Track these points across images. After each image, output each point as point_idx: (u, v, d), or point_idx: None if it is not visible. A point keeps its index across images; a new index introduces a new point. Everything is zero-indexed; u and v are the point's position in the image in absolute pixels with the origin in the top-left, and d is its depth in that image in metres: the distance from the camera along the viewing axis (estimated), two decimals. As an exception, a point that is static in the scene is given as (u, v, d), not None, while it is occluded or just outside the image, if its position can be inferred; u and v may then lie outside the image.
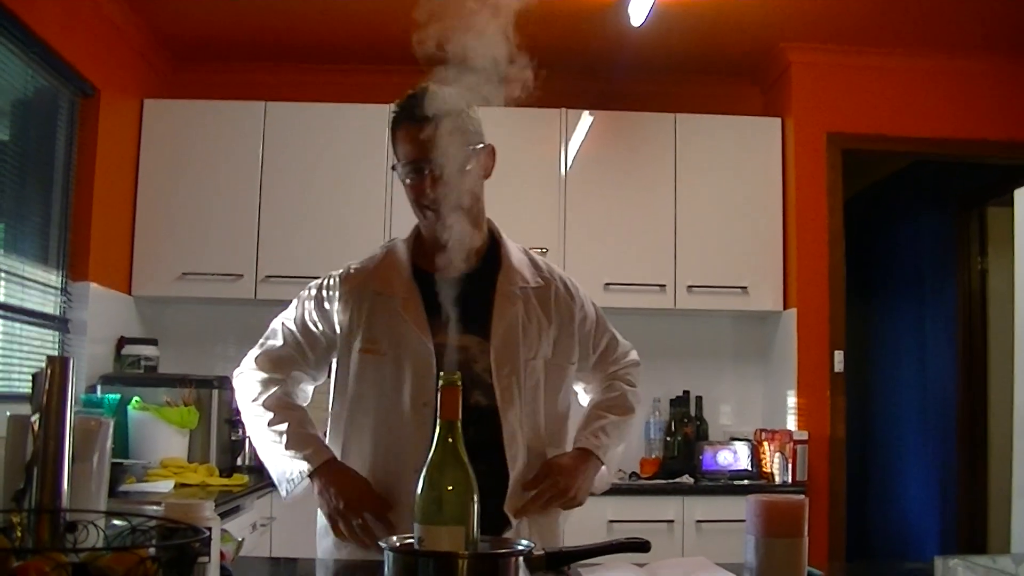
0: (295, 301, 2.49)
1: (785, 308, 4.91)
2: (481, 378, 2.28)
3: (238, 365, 2.35)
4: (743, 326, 5.30)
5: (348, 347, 2.37)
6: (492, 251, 2.42)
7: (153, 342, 4.79)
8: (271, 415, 2.37)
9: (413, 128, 2.28)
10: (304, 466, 2.29)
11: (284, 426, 2.34)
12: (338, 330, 2.39)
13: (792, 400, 4.85)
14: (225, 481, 3.99)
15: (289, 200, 4.80)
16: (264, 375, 2.44)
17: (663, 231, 4.86)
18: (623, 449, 2.54)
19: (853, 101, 4.96)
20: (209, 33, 4.93)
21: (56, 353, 4.21)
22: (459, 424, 1.66)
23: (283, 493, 2.37)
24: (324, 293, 2.43)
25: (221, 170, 4.81)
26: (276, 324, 2.50)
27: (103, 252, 4.47)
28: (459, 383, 1.68)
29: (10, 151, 3.91)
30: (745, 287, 4.87)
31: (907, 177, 6.28)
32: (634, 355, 2.63)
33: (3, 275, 3.83)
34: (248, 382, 2.47)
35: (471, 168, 2.31)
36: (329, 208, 4.79)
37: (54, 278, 4.22)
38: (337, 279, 2.44)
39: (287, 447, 2.32)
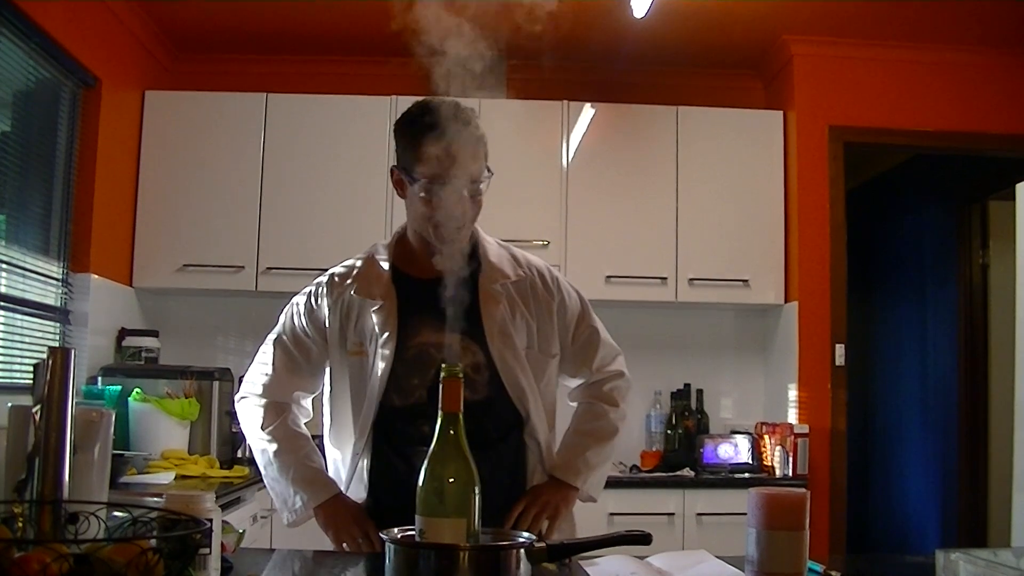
0: (282, 316, 2.54)
1: (786, 301, 4.91)
2: (465, 374, 2.25)
3: (239, 356, 2.38)
4: (744, 319, 5.30)
5: (338, 351, 2.44)
6: (472, 250, 2.47)
7: (154, 334, 4.79)
8: (276, 445, 2.45)
9: (443, 143, 2.25)
10: (306, 499, 2.40)
11: (291, 458, 2.44)
12: (328, 335, 2.45)
13: (793, 393, 4.85)
14: (226, 473, 4.00)
15: (290, 192, 4.79)
16: (266, 400, 2.51)
17: (665, 224, 4.86)
18: (608, 467, 2.59)
19: (855, 94, 4.95)
20: (211, 24, 4.92)
21: (57, 344, 4.21)
22: (460, 416, 1.67)
23: (284, 519, 2.45)
24: (313, 302, 2.48)
25: (222, 161, 4.81)
26: (268, 344, 2.54)
27: (104, 243, 4.47)
28: (461, 375, 1.68)
29: (11, 142, 3.90)
30: (746, 280, 4.86)
31: (909, 170, 6.28)
32: (620, 363, 2.60)
33: (4, 266, 3.83)
34: (251, 408, 2.53)
35: (485, 187, 2.36)
36: (330, 200, 4.79)
37: (55, 269, 4.22)
38: (324, 286, 2.48)
39: (293, 479, 2.42)
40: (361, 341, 2.40)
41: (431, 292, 2.26)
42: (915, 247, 6.53)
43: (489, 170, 2.36)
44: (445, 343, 2.29)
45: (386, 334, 2.35)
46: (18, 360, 3.91)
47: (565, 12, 4.40)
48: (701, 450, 4.75)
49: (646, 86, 5.17)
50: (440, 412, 1.67)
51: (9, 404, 1.77)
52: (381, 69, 5.09)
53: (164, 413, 4.07)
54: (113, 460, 1.98)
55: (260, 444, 2.49)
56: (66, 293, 4.27)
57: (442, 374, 1.68)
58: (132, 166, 4.77)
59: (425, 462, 1.64)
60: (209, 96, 4.88)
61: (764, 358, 5.26)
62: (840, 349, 4.81)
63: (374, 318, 2.37)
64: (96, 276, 4.38)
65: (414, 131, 2.32)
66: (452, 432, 1.65)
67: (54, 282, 4.21)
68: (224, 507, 3.35)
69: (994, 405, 5.68)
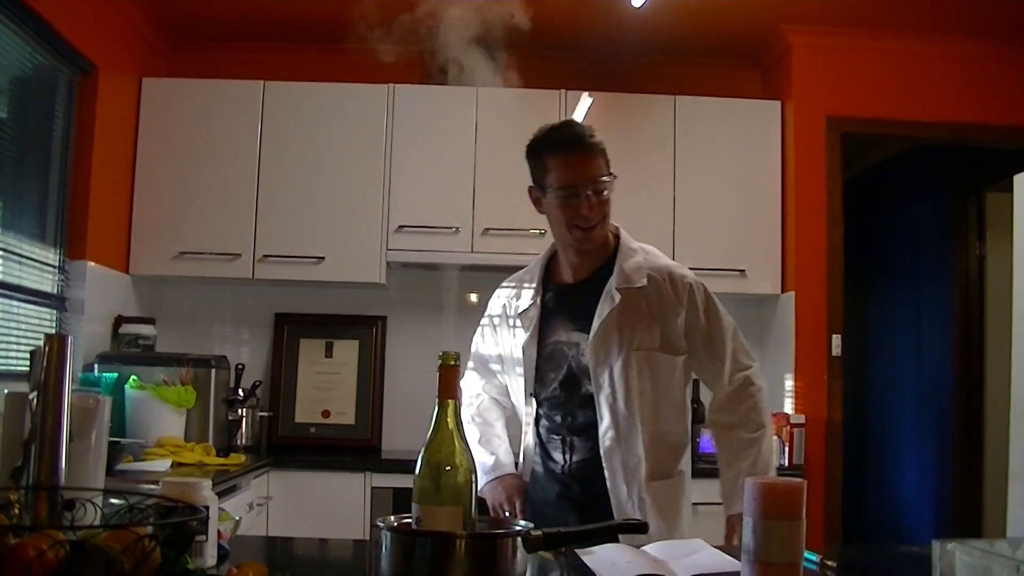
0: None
1: (783, 291, 4.90)
2: (587, 368, 2.64)
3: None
4: (741, 309, 5.27)
5: (510, 345, 2.86)
6: (612, 259, 2.74)
7: (151, 321, 4.79)
8: (468, 428, 2.84)
9: (576, 155, 2.63)
10: (481, 476, 2.80)
11: (475, 438, 2.87)
12: (500, 331, 2.91)
13: (789, 383, 4.85)
14: (222, 460, 3.99)
15: (287, 180, 4.78)
16: (473, 379, 3.02)
17: (662, 213, 4.85)
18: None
19: (853, 84, 4.94)
20: (208, 12, 4.90)
21: (53, 332, 4.20)
22: (456, 404, 1.67)
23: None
24: (495, 301, 2.95)
25: (219, 149, 4.80)
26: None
27: (101, 231, 4.46)
28: (455, 363, 1.68)
29: (8, 129, 3.89)
30: (743, 270, 4.86)
31: (906, 161, 6.28)
32: (752, 374, 2.77)
33: (1, 253, 3.82)
34: (465, 386, 2.99)
35: (609, 190, 2.66)
36: (327, 188, 4.78)
37: (52, 256, 4.21)
38: (499, 290, 2.95)
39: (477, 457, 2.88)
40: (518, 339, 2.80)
41: (568, 296, 2.74)
42: (911, 238, 6.53)
43: (611, 174, 2.65)
44: (569, 341, 2.68)
45: (528, 333, 2.75)
46: (15, 347, 3.90)
47: (564, 1, 4.40)
48: (697, 440, 4.74)
49: (644, 75, 5.17)
50: (437, 399, 1.67)
51: (6, 391, 1.77)
52: (379, 57, 5.09)
53: (160, 400, 4.07)
54: (109, 447, 1.98)
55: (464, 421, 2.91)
56: (62, 280, 4.26)
57: (439, 362, 1.68)
58: (129, 153, 4.76)
59: (422, 450, 1.64)
60: (206, 84, 4.86)
61: (760, 348, 5.25)
62: (836, 339, 4.81)
63: (522, 320, 2.78)
64: (93, 263, 4.38)
65: (539, 151, 2.70)
66: (448, 420, 1.65)
67: (50, 269, 4.20)
68: (220, 495, 3.35)
69: (989, 396, 5.69)
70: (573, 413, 2.69)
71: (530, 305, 2.79)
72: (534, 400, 2.77)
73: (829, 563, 1.93)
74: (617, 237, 2.78)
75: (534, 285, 2.82)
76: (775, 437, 4.64)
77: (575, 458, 2.69)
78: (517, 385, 2.84)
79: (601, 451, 2.64)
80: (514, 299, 2.85)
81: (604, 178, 2.63)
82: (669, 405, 2.70)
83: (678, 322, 2.68)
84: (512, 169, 4.80)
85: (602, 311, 2.64)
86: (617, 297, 2.64)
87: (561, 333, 2.71)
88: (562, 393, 2.71)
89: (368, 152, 4.79)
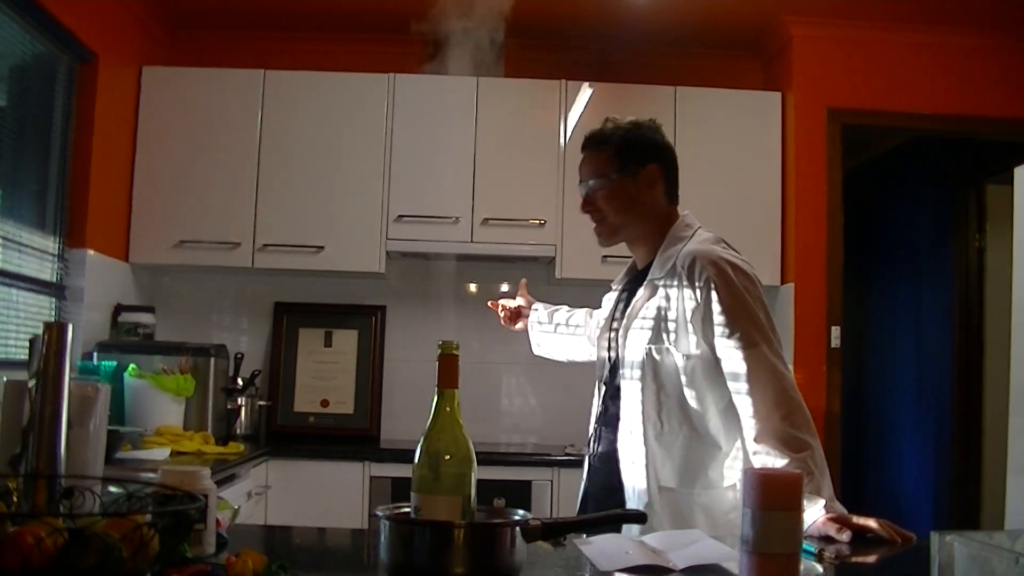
0: None
1: (782, 283, 4.90)
2: (623, 359, 2.59)
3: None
4: (740, 300, 5.28)
5: None
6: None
7: (150, 310, 4.79)
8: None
9: (583, 153, 2.74)
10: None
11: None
12: None
13: (788, 375, 4.84)
14: (221, 449, 4.00)
15: (287, 169, 4.77)
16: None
17: (662, 204, 4.84)
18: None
19: (854, 76, 4.93)
20: (209, 0, 4.89)
21: (53, 320, 4.20)
22: (456, 393, 1.66)
23: None
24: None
25: (219, 138, 4.79)
26: None
27: (100, 219, 4.45)
28: (456, 351, 1.68)
29: (8, 117, 3.89)
30: (743, 261, 4.85)
31: (906, 153, 6.27)
32: (782, 387, 2.49)
33: (0, 241, 3.81)
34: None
35: (609, 192, 2.67)
36: (327, 177, 4.77)
37: (51, 245, 4.21)
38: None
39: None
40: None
41: (632, 283, 2.72)
42: (911, 230, 6.53)
43: (605, 175, 2.67)
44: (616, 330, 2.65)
45: (606, 314, 2.78)
46: (14, 335, 3.90)
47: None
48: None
49: (644, 66, 5.16)
50: (437, 388, 1.66)
51: (5, 379, 1.77)
52: (379, 47, 5.09)
53: (159, 389, 4.07)
54: (108, 435, 1.98)
55: None
56: (62, 268, 4.26)
57: (438, 351, 1.68)
58: (129, 142, 4.75)
59: (421, 439, 1.64)
60: (206, 72, 4.85)
61: (760, 339, 5.25)
62: (836, 331, 4.80)
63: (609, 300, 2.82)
64: (92, 252, 4.37)
65: None
66: (448, 409, 1.65)
67: (50, 257, 4.20)
68: (219, 483, 3.35)
69: (988, 387, 5.69)
70: (607, 402, 2.64)
71: (615, 288, 2.83)
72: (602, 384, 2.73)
73: (827, 554, 1.93)
74: (672, 231, 2.75)
75: (629, 266, 2.84)
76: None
77: (599, 449, 2.64)
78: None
79: (619, 447, 2.53)
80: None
81: (593, 179, 2.67)
82: (686, 410, 2.47)
83: (691, 315, 2.46)
84: (512, 159, 4.84)
85: (633, 303, 2.59)
86: (642, 290, 2.58)
87: (620, 319, 2.66)
88: (607, 378, 2.67)
89: (368, 141, 4.78)
